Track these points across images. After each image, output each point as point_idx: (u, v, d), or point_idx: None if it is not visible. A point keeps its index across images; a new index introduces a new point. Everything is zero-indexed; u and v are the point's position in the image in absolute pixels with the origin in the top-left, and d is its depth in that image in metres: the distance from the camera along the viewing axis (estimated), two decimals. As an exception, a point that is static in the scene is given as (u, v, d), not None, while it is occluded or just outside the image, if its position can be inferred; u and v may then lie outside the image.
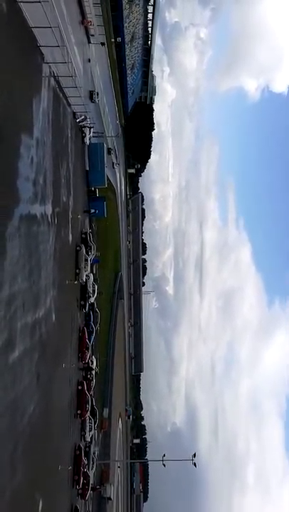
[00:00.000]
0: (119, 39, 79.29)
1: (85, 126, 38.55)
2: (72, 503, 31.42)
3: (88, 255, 37.21)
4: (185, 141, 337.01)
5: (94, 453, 41.14)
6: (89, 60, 47.05)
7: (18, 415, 18.05)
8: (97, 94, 49.51)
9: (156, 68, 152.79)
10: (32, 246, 20.61)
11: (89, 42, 47.06)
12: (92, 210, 44.47)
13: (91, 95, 47.57)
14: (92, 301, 41.99)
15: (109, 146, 73.27)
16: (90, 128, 40.17)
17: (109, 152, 74.57)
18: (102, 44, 60.49)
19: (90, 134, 39.74)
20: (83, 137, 39.09)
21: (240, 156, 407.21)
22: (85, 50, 44.04)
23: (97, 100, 49.69)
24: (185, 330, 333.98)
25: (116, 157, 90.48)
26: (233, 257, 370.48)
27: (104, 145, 47.01)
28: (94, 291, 41.72)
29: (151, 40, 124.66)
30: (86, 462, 35.32)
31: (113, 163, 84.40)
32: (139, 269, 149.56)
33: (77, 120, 36.30)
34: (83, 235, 38.42)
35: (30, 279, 20.16)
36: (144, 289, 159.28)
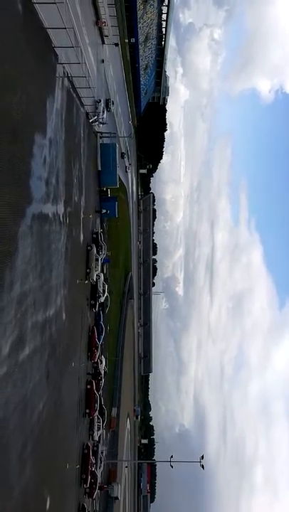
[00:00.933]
0: (133, 40, 79.46)
1: (96, 121, 38.08)
2: (79, 501, 31.55)
3: (99, 255, 37.34)
4: (197, 141, 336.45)
5: (102, 452, 41.26)
6: (102, 61, 47.23)
7: (28, 413, 18.20)
8: (113, 103, 49.60)
9: (169, 69, 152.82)
10: (44, 245, 20.76)
11: (103, 43, 47.25)
12: (104, 210, 44.61)
13: (107, 104, 47.66)
14: (102, 301, 42.09)
15: (123, 151, 73.39)
16: (102, 121, 39.64)
17: (122, 156, 74.94)
18: (116, 45, 60.63)
19: (100, 117, 38.45)
20: (96, 136, 38.79)
21: (253, 157, 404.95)
22: (98, 51, 44.23)
23: (112, 109, 49.70)
24: (194, 331, 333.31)
25: (128, 158, 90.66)
26: (244, 258, 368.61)
27: (117, 145, 47.11)
28: (104, 290, 41.84)
29: (165, 41, 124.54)
30: (94, 461, 35.44)
31: (126, 167, 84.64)
32: (150, 270, 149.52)
33: (90, 121, 36.45)
34: (94, 235, 38.56)
35: (42, 277, 20.31)
36: (154, 289, 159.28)
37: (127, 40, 72.82)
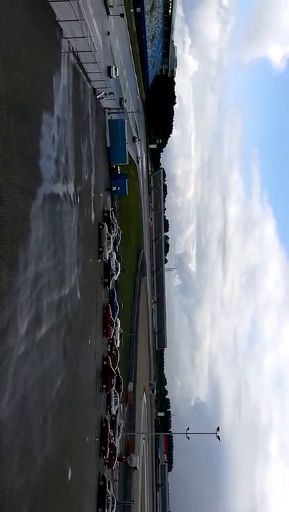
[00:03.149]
0: (138, 9, 76.92)
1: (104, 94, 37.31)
2: (99, 471, 32.72)
3: (111, 233, 37.36)
4: (207, 114, 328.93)
5: (120, 426, 42.42)
6: (108, 33, 45.89)
7: (47, 389, 18.70)
8: (116, 70, 48.62)
9: (177, 39, 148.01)
10: (56, 225, 20.82)
11: (108, 14, 45.78)
12: (114, 188, 44.34)
13: (109, 71, 46.81)
14: (115, 279, 42.39)
15: (134, 134, 73.01)
16: (109, 93, 38.84)
17: (134, 140, 74.69)
18: (122, 15, 58.75)
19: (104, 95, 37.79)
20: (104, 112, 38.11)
21: (265, 128, 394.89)
22: (103, 23, 42.94)
23: (115, 76, 48.89)
24: (208, 306, 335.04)
25: (138, 134, 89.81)
26: (257, 232, 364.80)
27: (125, 121, 46.35)
28: (117, 268, 42.07)
29: (171, 9, 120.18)
30: (112, 434, 36.51)
31: (137, 156, 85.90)
32: (162, 247, 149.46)
33: (98, 97, 35.79)
34: (105, 213, 38.49)
35: (55, 257, 20.47)
36: (166, 266, 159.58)
37: (132, 10, 70.54)
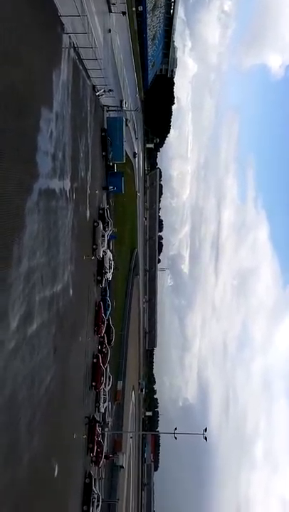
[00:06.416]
0: (140, 8, 76.71)
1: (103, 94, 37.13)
2: (86, 469, 32.66)
3: (105, 231, 37.28)
4: (205, 117, 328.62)
5: (108, 424, 42.38)
6: (109, 31, 45.76)
7: (36, 386, 18.62)
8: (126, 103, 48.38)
9: (178, 42, 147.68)
10: (50, 221, 20.73)
11: (110, 11, 45.68)
12: (110, 187, 44.22)
13: (121, 103, 46.60)
14: (108, 277, 42.33)
15: (135, 150, 73.91)
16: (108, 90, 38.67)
17: (134, 156, 75.49)
18: (123, 13, 58.53)
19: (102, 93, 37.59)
20: (102, 109, 38.01)
21: (261, 134, 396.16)
22: (105, 20, 42.82)
23: (126, 107, 48.42)
24: (199, 308, 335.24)
25: (135, 133, 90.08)
26: (250, 237, 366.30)
27: (124, 119, 46.25)
28: (110, 266, 42.00)
29: (173, 9, 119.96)
30: (100, 432, 36.46)
31: (134, 153, 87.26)
32: (155, 246, 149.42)
33: (97, 94, 35.68)
34: (101, 211, 38.39)
35: (49, 253, 20.38)
36: (159, 266, 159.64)
37: (134, 9, 70.30)
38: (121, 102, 54.07)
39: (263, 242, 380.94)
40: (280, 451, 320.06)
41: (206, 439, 39.76)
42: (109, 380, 41.54)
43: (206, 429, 40.06)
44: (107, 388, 40.39)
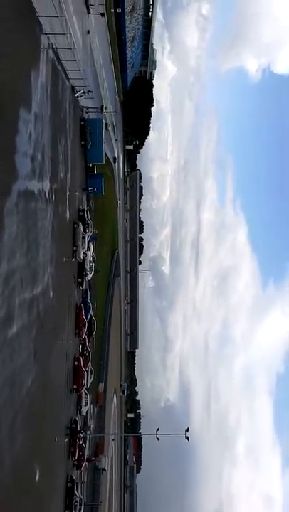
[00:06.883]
0: (119, 9, 76.84)
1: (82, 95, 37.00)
2: (67, 473, 32.40)
3: (86, 233, 37.15)
4: (184, 119, 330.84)
5: (89, 426, 42.15)
6: (88, 32, 45.70)
7: (16, 389, 18.40)
8: (106, 108, 48.04)
9: (156, 44, 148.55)
10: (30, 222, 20.54)
11: (88, 12, 45.61)
12: (90, 188, 44.12)
13: (102, 108, 45.86)
14: (89, 279, 42.17)
15: (115, 155, 74.34)
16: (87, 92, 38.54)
17: (114, 161, 75.63)
18: (102, 15, 58.57)
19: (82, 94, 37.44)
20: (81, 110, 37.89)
21: (240, 137, 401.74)
22: (84, 21, 42.74)
23: (106, 111, 48.08)
24: (180, 308, 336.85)
25: (115, 134, 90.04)
26: (229, 238, 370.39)
27: (103, 120, 46.23)
28: (91, 268, 41.86)
29: (152, 11, 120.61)
30: (82, 435, 36.25)
31: (114, 158, 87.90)
32: (136, 248, 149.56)
33: (76, 95, 35.57)
34: (81, 213, 38.24)
35: (28, 255, 20.19)
36: (140, 267, 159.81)
37: (113, 10, 70.41)
38: (101, 107, 54.20)
39: (242, 243, 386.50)
40: (262, 447, 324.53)
41: (188, 438, 39.96)
42: (91, 374, 41.20)
43: (188, 429, 40.25)
44: (88, 380, 39.88)
